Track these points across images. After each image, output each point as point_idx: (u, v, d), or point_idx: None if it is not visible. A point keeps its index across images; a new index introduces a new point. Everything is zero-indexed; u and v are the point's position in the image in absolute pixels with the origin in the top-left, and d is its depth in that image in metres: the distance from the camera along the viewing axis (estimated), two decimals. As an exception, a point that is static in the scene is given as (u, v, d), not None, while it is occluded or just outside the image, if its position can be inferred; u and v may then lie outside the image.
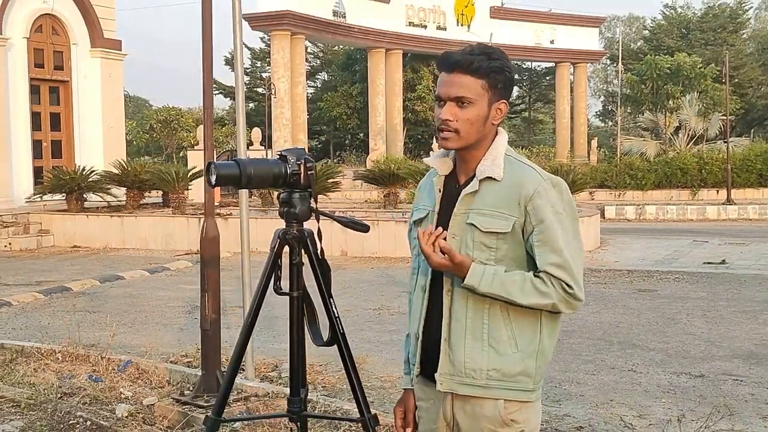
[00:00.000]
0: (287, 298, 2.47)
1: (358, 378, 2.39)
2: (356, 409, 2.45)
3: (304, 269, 2.45)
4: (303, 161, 2.30)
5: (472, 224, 2.19)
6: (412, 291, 2.38)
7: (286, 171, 2.29)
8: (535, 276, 2.17)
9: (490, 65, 2.20)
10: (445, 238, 2.16)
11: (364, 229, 2.39)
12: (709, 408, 5.26)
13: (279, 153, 2.33)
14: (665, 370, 6.44)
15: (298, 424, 2.42)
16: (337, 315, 2.37)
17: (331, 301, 2.36)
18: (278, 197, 2.36)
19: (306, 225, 2.42)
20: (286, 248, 2.39)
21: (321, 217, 2.40)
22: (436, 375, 2.23)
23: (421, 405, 2.35)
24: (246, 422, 4.75)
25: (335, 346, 2.38)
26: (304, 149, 2.34)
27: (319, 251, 2.39)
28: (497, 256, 2.19)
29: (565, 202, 2.22)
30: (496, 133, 2.28)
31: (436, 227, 2.21)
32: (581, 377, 6.28)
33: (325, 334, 2.42)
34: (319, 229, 2.40)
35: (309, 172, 2.30)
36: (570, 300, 2.16)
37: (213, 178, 2.25)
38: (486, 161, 2.22)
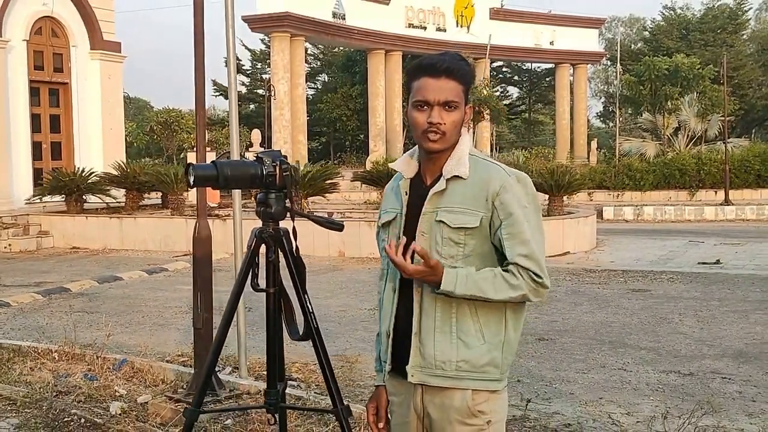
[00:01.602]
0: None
1: (332, 371, 2.49)
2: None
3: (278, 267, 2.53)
4: (278, 163, 2.39)
5: (441, 221, 2.29)
6: (381, 292, 2.47)
7: (262, 172, 2.39)
8: (504, 270, 2.27)
9: (469, 72, 2.34)
10: (408, 245, 2.24)
11: (338, 227, 2.47)
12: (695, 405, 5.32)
13: (256, 155, 2.42)
14: (655, 369, 6.52)
15: (276, 415, 2.50)
16: (311, 310, 2.46)
17: (306, 297, 2.44)
18: (255, 197, 2.45)
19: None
20: (263, 247, 2.48)
21: (297, 217, 2.49)
22: (408, 368, 2.32)
23: (393, 400, 2.44)
24: (238, 419, 4.83)
25: (310, 340, 2.47)
26: (279, 151, 2.42)
27: (294, 249, 2.48)
28: (465, 252, 2.28)
29: (529, 196, 2.32)
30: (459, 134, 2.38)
31: (405, 228, 2.33)
32: (572, 376, 6.35)
33: (302, 329, 2.51)
34: (294, 228, 2.48)
35: (284, 173, 2.39)
36: (538, 288, 2.27)
37: (191, 179, 2.34)
38: (452, 161, 2.32)
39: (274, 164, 2.38)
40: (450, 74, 2.29)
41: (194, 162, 2.37)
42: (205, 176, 2.36)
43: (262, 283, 2.51)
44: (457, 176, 2.30)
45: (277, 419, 2.52)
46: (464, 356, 2.28)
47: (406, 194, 2.38)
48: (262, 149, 26.71)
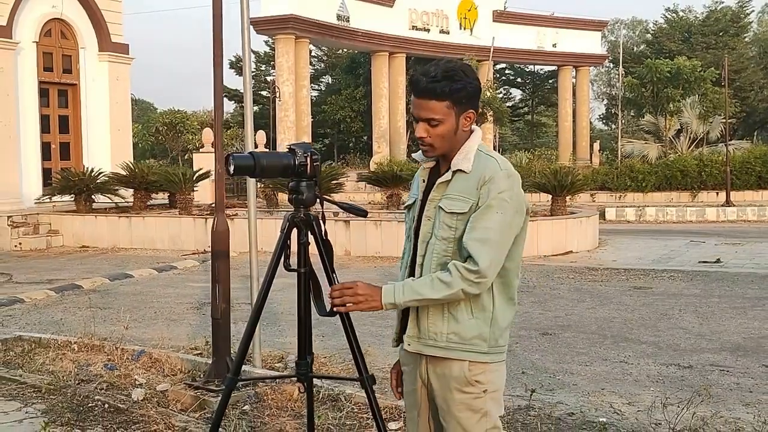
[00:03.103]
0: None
1: (358, 343, 2.70)
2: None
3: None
4: (309, 154, 2.63)
5: (440, 207, 2.52)
6: (402, 268, 2.71)
7: (295, 162, 2.62)
8: (442, 270, 2.46)
9: (451, 87, 2.48)
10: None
11: (363, 213, 2.70)
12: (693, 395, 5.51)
13: (288, 146, 2.64)
14: (655, 362, 6.70)
15: (305, 384, 2.72)
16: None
17: (335, 275, 2.66)
18: (287, 187, 2.68)
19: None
20: (295, 230, 2.70)
21: (325, 203, 2.73)
22: (405, 337, 2.58)
23: (404, 369, 2.71)
24: (255, 405, 5.04)
25: (337, 315, 2.68)
26: (310, 143, 2.65)
27: (323, 232, 2.70)
28: (456, 236, 2.50)
29: (513, 193, 2.49)
30: (471, 131, 2.59)
31: (421, 212, 2.58)
32: (575, 368, 6.53)
33: (329, 306, 2.72)
34: (323, 213, 2.72)
35: (314, 164, 2.63)
36: (473, 280, 2.42)
37: (231, 168, 2.56)
38: (459, 156, 2.55)
39: (305, 155, 2.61)
40: (429, 94, 2.47)
41: (232, 154, 2.58)
42: (244, 166, 2.59)
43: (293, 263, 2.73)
44: (461, 170, 2.52)
45: (305, 387, 2.73)
46: (454, 329, 2.50)
47: (424, 182, 2.63)
48: (266, 150, 26.91)
